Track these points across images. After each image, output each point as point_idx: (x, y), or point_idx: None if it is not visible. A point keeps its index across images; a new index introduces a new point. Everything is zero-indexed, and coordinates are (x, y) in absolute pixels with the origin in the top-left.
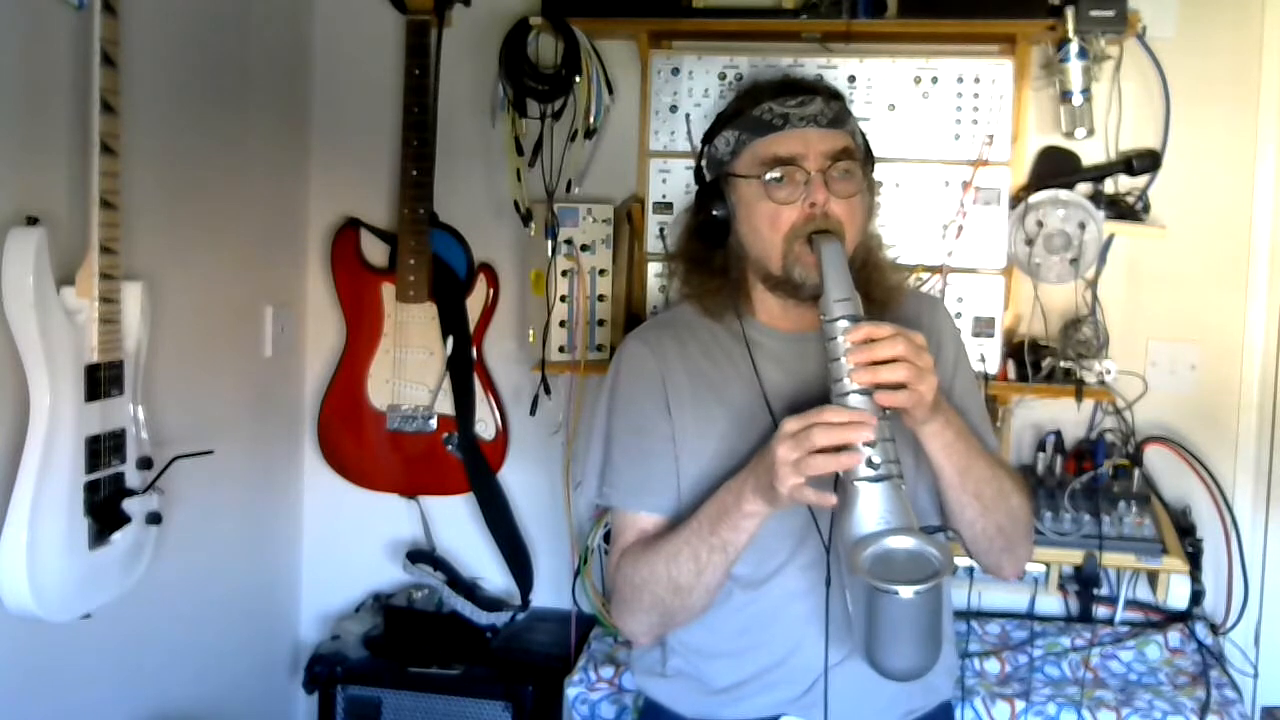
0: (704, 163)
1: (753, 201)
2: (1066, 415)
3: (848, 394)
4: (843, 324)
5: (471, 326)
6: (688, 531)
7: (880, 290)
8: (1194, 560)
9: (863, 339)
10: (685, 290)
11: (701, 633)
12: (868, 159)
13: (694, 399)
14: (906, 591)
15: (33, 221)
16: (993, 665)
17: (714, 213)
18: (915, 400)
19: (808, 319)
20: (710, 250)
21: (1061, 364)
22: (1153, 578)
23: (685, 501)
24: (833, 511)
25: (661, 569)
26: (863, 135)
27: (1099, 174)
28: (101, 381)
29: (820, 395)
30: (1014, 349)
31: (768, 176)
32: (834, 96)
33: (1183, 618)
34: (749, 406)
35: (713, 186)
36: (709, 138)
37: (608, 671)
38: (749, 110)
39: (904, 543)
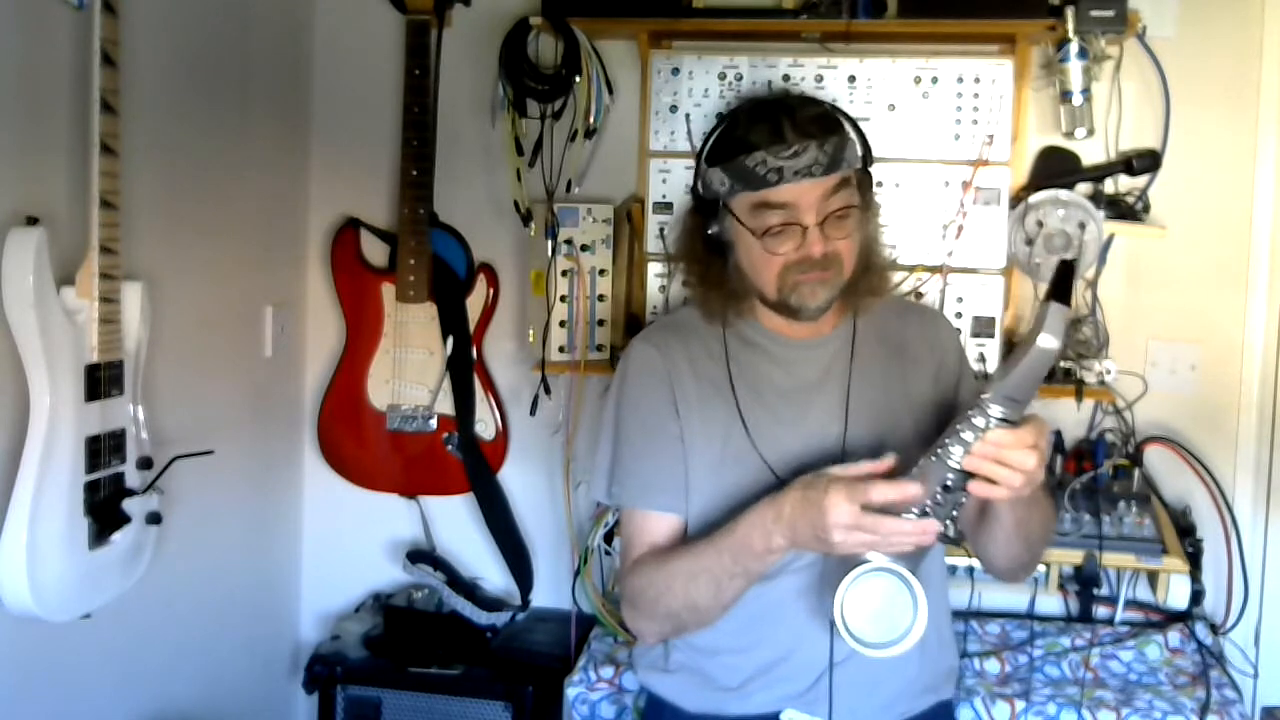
0: (700, 183)
1: (749, 244)
2: (1066, 415)
3: (950, 464)
4: (996, 413)
5: (471, 326)
6: (707, 558)
7: (873, 288)
8: (1194, 560)
9: (1006, 446)
10: (687, 293)
11: (705, 629)
12: (866, 165)
13: (700, 400)
14: (872, 651)
15: (33, 221)
16: (993, 665)
17: (709, 231)
18: (1009, 499)
19: (811, 327)
20: (709, 255)
21: (1061, 364)
22: (1153, 578)
23: (692, 502)
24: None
25: (679, 587)
26: (863, 145)
27: (1099, 174)
28: (101, 381)
29: (818, 394)
30: (1014, 349)
31: (763, 231)
32: (828, 132)
33: (1183, 618)
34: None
35: (710, 204)
36: (702, 164)
37: (608, 671)
38: (741, 159)
39: (880, 585)
